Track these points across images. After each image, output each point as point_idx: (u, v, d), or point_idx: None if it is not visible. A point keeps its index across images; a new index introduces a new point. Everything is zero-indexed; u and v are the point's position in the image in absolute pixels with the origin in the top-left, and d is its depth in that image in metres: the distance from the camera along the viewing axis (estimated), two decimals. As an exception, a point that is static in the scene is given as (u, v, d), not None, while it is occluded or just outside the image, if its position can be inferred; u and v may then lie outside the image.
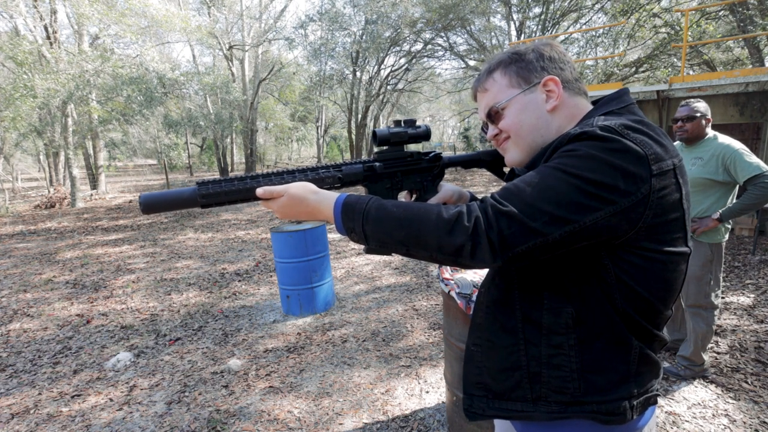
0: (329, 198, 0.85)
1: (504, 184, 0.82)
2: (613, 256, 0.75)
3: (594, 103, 0.91)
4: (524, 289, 0.84)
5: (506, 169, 1.24)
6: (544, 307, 0.81)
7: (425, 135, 1.06)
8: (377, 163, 1.02)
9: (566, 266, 0.78)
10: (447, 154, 1.15)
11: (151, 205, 0.85)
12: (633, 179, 0.69)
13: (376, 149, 1.05)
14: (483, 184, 13.99)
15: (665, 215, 0.73)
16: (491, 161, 1.18)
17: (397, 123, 1.04)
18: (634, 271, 0.75)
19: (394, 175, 1.05)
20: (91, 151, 16.16)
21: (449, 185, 1.13)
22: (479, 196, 0.99)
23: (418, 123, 1.06)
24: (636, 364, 0.80)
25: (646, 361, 0.82)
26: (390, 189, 1.05)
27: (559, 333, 0.80)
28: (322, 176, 0.96)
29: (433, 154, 1.09)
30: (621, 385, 0.80)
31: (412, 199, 1.11)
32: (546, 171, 0.73)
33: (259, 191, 0.87)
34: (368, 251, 0.85)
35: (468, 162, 1.18)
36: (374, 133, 1.02)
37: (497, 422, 1.08)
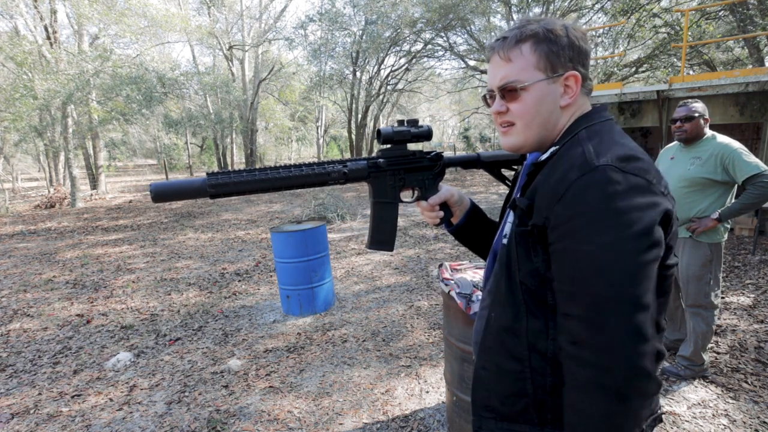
0: None
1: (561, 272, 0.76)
2: None
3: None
4: (532, 317, 0.83)
5: (506, 172, 1.24)
6: (550, 337, 0.81)
7: (427, 134, 1.09)
8: (381, 160, 1.05)
9: None
10: (447, 154, 1.16)
11: (161, 193, 0.87)
12: (656, 208, 0.71)
13: (379, 147, 1.08)
14: (483, 185, 14.00)
15: (670, 230, 0.76)
16: (489, 163, 1.20)
17: (401, 122, 1.06)
18: None
19: (397, 173, 1.08)
20: (91, 151, 16.16)
21: (448, 186, 1.14)
22: (486, 200, 0.97)
23: (420, 123, 1.09)
24: None
25: None
26: (393, 186, 1.08)
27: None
28: (328, 170, 0.99)
29: (434, 153, 1.11)
30: None
31: (414, 196, 1.12)
32: (595, 259, 0.70)
33: None
34: None
35: (467, 162, 1.20)
36: (378, 131, 1.04)
37: None
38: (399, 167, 1.07)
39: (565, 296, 0.74)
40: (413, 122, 1.07)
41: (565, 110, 0.85)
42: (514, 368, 0.86)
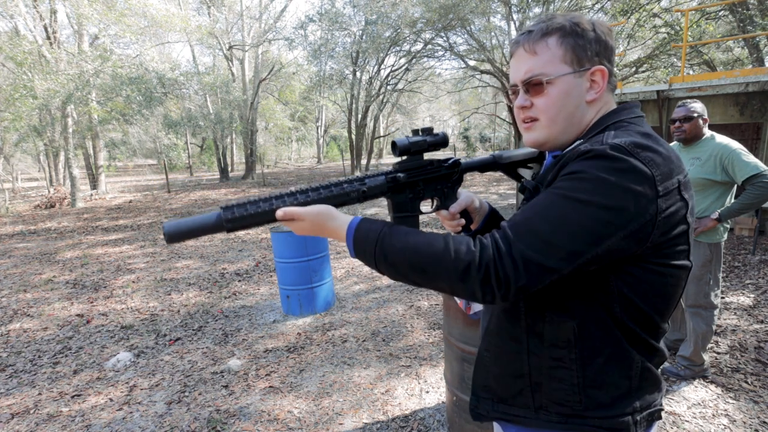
0: (342, 228, 0.86)
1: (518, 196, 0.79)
2: (616, 271, 0.75)
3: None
4: (529, 302, 0.84)
5: (523, 170, 1.23)
6: (546, 320, 0.81)
7: (443, 142, 1.05)
8: (400, 174, 1.01)
9: (568, 283, 0.78)
10: (464, 159, 1.14)
11: (176, 234, 0.82)
12: (641, 200, 0.69)
13: (396, 159, 1.04)
14: (483, 184, 14.00)
15: (671, 232, 0.74)
16: (507, 164, 1.16)
17: (415, 132, 1.03)
18: (636, 283, 0.76)
19: (416, 185, 1.04)
20: (91, 151, 16.16)
21: (466, 192, 1.12)
22: (486, 199, 0.97)
23: (435, 130, 1.05)
24: (638, 378, 0.81)
25: (648, 376, 0.82)
26: (412, 198, 1.04)
27: (560, 347, 0.80)
28: (347, 191, 0.94)
29: (452, 160, 1.08)
30: (623, 401, 0.80)
31: (434, 206, 1.09)
32: (557, 200, 0.72)
33: (279, 213, 0.86)
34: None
35: (484, 166, 1.16)
36: (393, 143, 1.00)
37: (496, 425, 1.09)
38: (418, 179, 1.03)
39: (510, 222, 0.74)
40: (428, 130, 1.03)
41: (590, 105, 0.84)
42: (512, 349, 0.88)
